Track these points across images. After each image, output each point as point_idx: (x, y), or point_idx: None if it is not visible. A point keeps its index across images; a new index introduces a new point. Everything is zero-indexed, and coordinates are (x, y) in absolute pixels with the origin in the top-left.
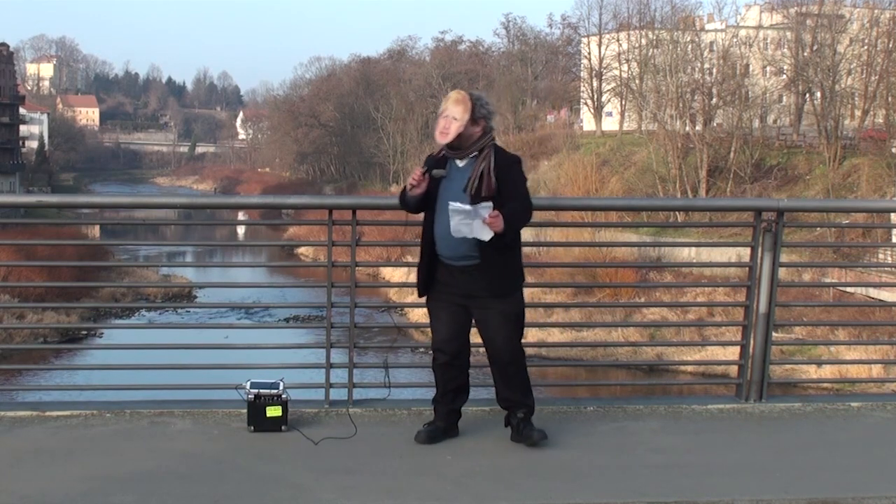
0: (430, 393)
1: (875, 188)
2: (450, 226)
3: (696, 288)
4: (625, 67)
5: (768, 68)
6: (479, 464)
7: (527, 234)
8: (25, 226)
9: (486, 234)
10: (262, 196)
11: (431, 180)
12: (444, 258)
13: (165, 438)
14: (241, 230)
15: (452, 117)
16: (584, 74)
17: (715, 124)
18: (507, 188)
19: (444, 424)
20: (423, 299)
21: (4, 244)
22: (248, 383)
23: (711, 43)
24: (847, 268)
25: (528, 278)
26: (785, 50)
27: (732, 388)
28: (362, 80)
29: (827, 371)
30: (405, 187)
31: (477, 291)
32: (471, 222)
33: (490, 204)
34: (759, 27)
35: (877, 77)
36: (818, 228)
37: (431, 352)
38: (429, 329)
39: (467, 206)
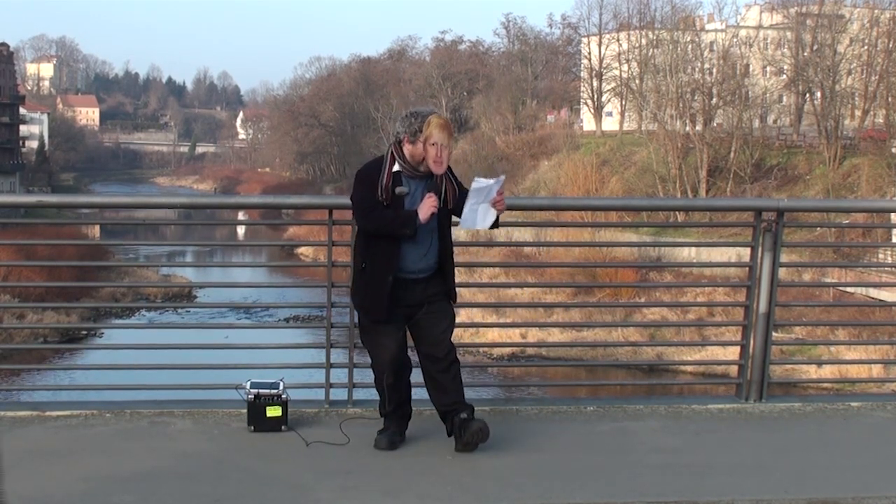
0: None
1: (875, 188)
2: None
3: (696, 288)
4: (625, 67)
5: (768, 68)
6: (479, 464)
7: (527, 234)
8: (25, 226)
9: (491, 219)
10: (262, 196)
11: (395, 198)
12: (407, 273)
13: (165, 438)
14: (241, 230)
15: (442, 145)
16: (584, 74)
17: (715, 124)
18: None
19: (399, 430)
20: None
21: (4, 244)
22: (248, 383)
23: (711, 43)
24: (847, 268)
25: (528, 278)
26: (785, 50)
27: (732, 388)
28: (362, 80)
29: (827, 371)
30: (404, 217)
31: (431, 297)
32: (477, 208)
33: (503, 177)
34: (759, 27)
35: (877, 77)
36: (818, 228)
37: (375, 372)
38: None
39: (490, 181)
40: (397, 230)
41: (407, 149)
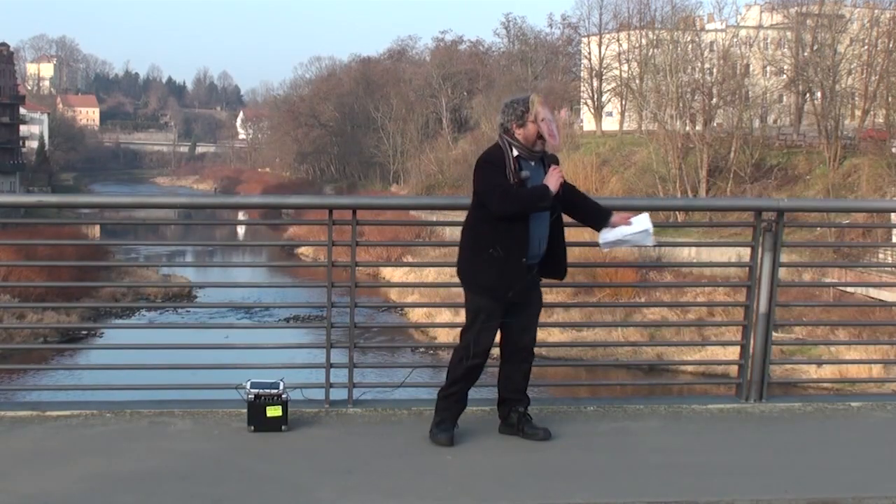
0: (429, 393)
1: (875, 188)
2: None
3: (696, 288)
4: (625, 67)
5: (768, 68)
6: (479, 464)
7: None
8: (25, 226)
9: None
10: (262, 196)
11: (521, 182)
12: (528, 259)
13: (165, 438)
14: (241, 230)
15: (550, 120)
16: (584, 74)
17: (715, 124)
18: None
19: (455, 422)
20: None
21: (4, 244)
22: (248, 383)
23: (711, 43)
24: (847, 268)
25: None
26: (785, 50)
27: (732, 388)
28: (362, 80)
29: (827, 371)
30: (540, 191)
31: (533, 283)
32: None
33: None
34: (760, 27)
35: (877, 77)
36: (818, 228)
37: (469, 355)
38: (427, 329)
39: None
40: (536, 204)
41: (520, 133)
